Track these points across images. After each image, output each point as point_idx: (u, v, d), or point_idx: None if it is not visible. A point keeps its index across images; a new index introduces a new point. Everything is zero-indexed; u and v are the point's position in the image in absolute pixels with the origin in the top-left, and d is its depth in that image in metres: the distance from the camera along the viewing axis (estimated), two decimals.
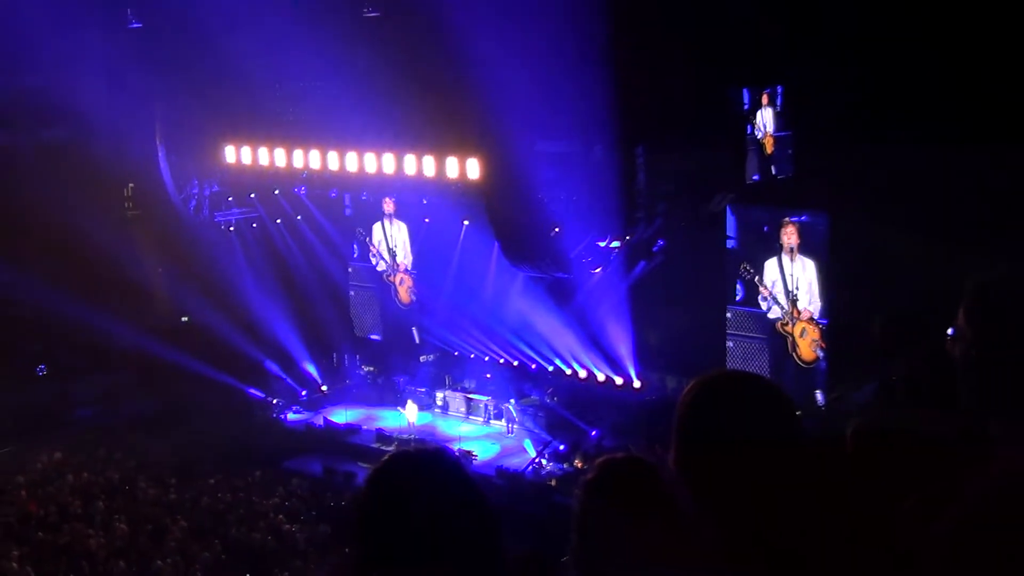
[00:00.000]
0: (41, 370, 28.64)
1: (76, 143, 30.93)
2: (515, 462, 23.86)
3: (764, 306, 22.60)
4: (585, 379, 25.86)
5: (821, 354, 22.07)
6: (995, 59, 17.72)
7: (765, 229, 22.55)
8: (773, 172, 24.36)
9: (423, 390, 27.64)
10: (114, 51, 30.35)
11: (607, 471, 2.48)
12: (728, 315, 23.14)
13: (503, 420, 26.22)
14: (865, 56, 19.53)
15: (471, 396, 27.15)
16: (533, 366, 26.69)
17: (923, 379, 3.31)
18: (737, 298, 23.00)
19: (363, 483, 2.11)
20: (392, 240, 29.05)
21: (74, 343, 29.20)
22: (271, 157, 28.27)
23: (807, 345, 22.24)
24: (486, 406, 26.64)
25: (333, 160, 27.13)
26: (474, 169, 24.93)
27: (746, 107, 23.97)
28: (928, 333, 3.98)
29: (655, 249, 24.82)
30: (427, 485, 2.06)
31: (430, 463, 2.10)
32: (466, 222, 26.83)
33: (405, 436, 25.34)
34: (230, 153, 28.84)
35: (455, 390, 27.50)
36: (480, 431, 26.21)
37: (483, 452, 24.51)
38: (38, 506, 21.34)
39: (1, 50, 29.40)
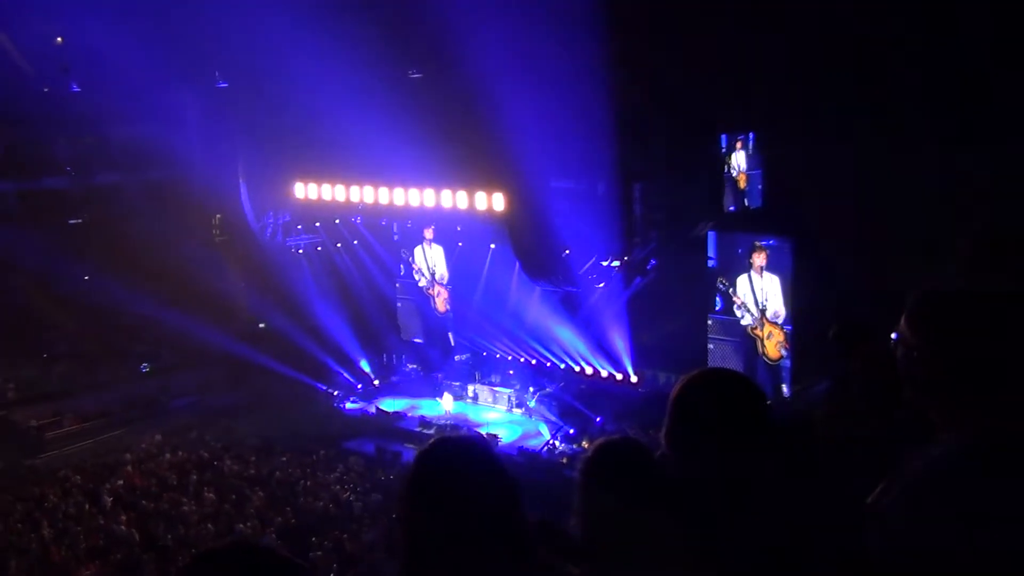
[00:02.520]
0: (145, 368, 28.80)
1: (174, 181, 31.16)
2: (533, 443, 23.83)
3: (738, 314, 22.54)
4: (591, 375, 25.83)
5: (785, 353, 22.00)
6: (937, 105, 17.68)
7: (739, 251, 22.50)
8: (746, 204, 24.39)
9: (457, 384, 27.62)
10: (205, 106, 30.65)
11: (605, 448, 2.47)
12: (709, 322, 23.06)
13: (523, 408, 26.16)
14: (821, 109, 19.53)
15: (497, 389, 27.09)
16: (548, 364, 26.66)
17: (870, 376, 3.28)
18: (716, 308, 22.93)
19: (412, 461, 2.11)
20: (431, 260, 29.10)
21: (172, 345, 29.37)
22: (333, 192, 28.47)
23: (773, 346, 22.18)
24: (509, 397, 26.59)
25: (383, 195, 27.32)
26: (499, 202, 25.03)
27: (723, 150, 24.01)
28: (874, 337, 3.93)
29: (648, 267, 24.82)
30: (463, 463, 2.06)
31: (466, 446, 2.11)
32: (492, 245, 26.86)
33: (442, 422, 25.32)
34: (299, 189, 29.01)
35: (484, 384, 27.45)
36: (504, 417, 26.15)
37: (507, 435, 24.45)
38: (142, 479, 21.44)
39: (115, 105, 29.74)
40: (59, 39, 34.72)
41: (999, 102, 16.72)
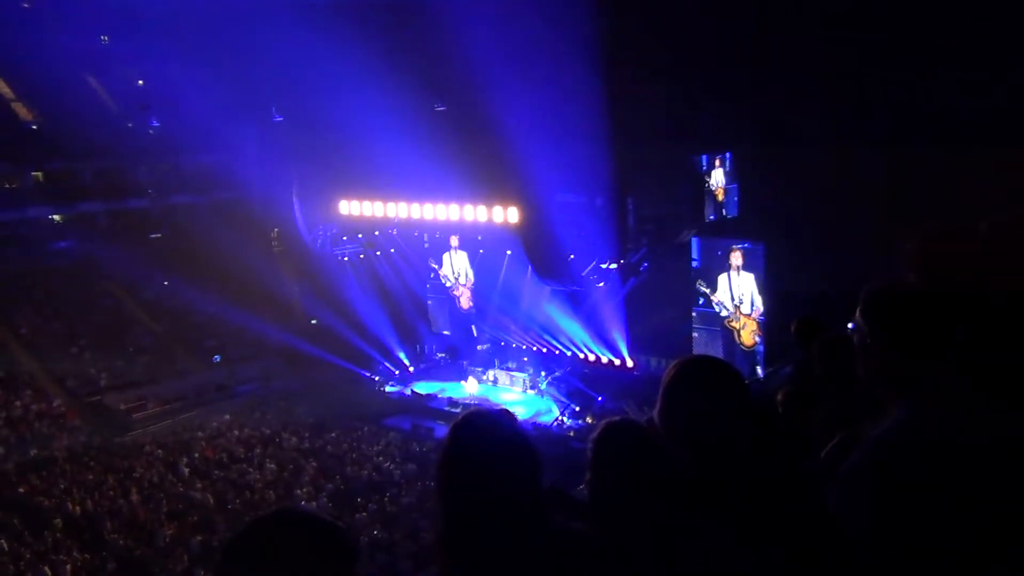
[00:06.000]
0: (216, 358, 28.91)
1: (238, 201, 31.40)
2: (544, 419, 23.79)
3: (717, 309, 22.47)
4: (593, 360, 25.79)
5: (759, 340, 21.91)
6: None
7: (719, 253, 22.43)
8: (724, 213, 24.37)
9: (480, 369, 27.61)
10: (263, 137, 30.81)
11: (609, 428, 2.47)
12: (693, 314, 23.00)
13: (536, 390, 26.13)
14: (788, 131, 19.49)
15: (513, 373, 27.05)
16: (556, 352, 26.64)
17: (826, 360, 3.31)
18: (700, 302, 22.87)
19: (447, 431, 2.08)
20: (456, 264, 29.13)
21: (239, 339, 29.50)
22: (373, 208, 28.55)
23: (748, 335, 22.10)
24: (524, 380, 26.55)
25: (416, 210, 27.41)
26: (513, 215, 25.08)
27: (704, 168, 24.01)
28: (826, 330, 3.95)
29: (641, 269, 24.82)
30: (492, 433, 2.04)
31: (494, 418, 2.09)
32: (508, 251, 26.85)
33: (467, 402, 25.33)
34: (344, 206, 29.08)
35: (502, 369, 27.43)
36: (520, 398, 26.07)
37: (522, 413, 24.40)
38: (214, 452, 21.53)
39: (188, 138, 29.96)
40: (140, 82, 35.03)
41: (949, 111, 16.58)
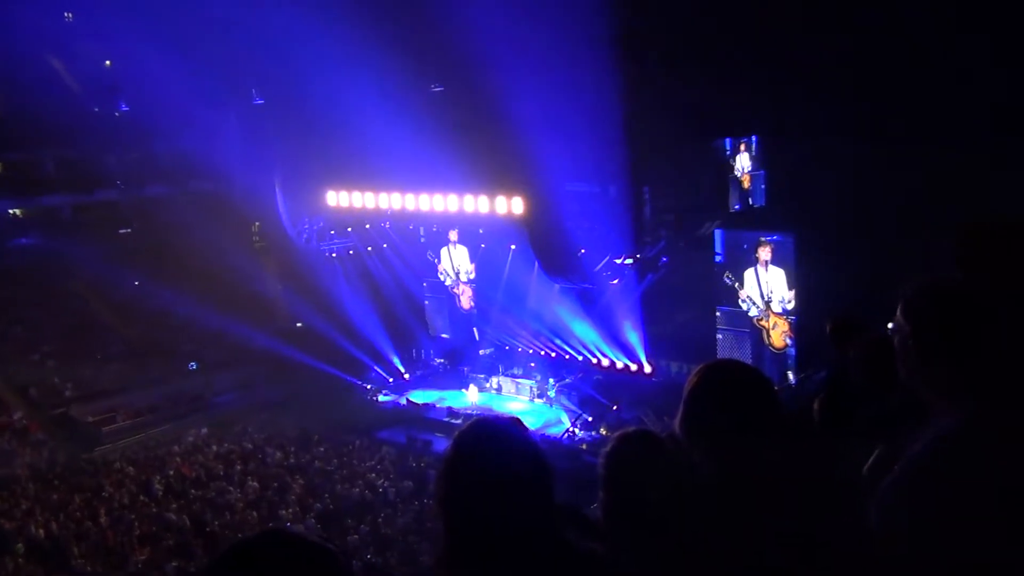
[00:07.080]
0: (193, 366, 28.91)
1: (217, 192, 31.45)
2: (554, 431, 23.77)
3: (745, 306, 22.45)
4: (607, 366, 25.78)
5: (790, 342, 21.90)
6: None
7: (745, 247, 22.42)
8: (750, 203, 24.36)
9: (482, 376, 27.61)
10: (243, 122, 30.85)
11: (623, 441, 2.47)
12: (717, 314, 23.00)
13: (544, 398, 26.11)
14: (820, 111, 19.46)
15: (519, 380, 27.05)
16: (566, 356, 26.63)
17: (866, 362, 3.33)
18: (724, 302, 22.85)
19: (453, 439, 2.08)
20: (456, 261, 29.14)
21: (217, 344, 29.51)
22: (363, 199, 28.59)
23: (778, 336, 22.09)
24: (531, 388, 26.54)
25: (410, 201, 27.44)
26: (518, 206, 25.08)
27: (728, 152, 23.99)
28: (865, 329, 3.96)
29: (660, 264, 24.79)
30: (500, 443, 2.03)
31: (503, 426, 2.08)
32: (513, 246, 26.85)
33: (469, 412, 25.30)
34: (332, 197, 29.12)
35: (507, 375, 27.42)
36: (527, 407, 26.08)
37: (530, 424, 24.32)
38: (190, 469, 21.55)
39: (161, 123, 29.98)
40: (108, 62, 35.08)
41: (988, 102, 16.63)
